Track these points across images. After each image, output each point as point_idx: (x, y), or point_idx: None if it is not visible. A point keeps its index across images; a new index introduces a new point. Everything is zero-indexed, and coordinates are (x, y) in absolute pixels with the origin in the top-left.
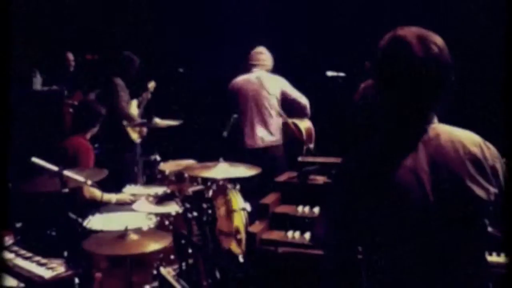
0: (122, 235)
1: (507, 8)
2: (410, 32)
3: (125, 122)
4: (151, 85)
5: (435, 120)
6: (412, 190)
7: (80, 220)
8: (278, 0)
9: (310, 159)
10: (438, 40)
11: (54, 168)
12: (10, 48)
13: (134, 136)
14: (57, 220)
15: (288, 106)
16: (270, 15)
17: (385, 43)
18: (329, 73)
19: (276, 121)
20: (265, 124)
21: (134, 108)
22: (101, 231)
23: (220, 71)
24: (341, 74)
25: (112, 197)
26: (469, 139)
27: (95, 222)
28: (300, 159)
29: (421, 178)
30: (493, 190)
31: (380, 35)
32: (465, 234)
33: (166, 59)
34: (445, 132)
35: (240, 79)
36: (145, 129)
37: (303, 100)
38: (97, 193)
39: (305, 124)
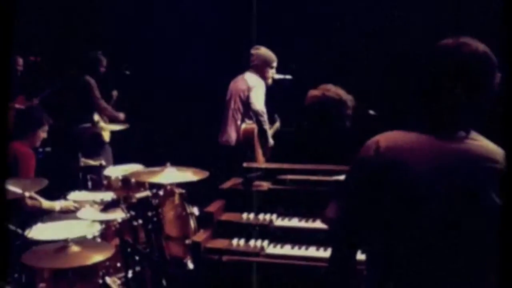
0: (63, 247)
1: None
2: (455, 36)
3: (96, 117)
4: (115, 93)
5: (469, 128)
6: (429, 190)
7: (20, 231)
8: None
9: (255, 165)
10: (480, 45)
11: None
12: None
13: (106, 136)
14: None
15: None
16: (216, 16)
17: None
18: (276, 76)
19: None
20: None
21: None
22: (43, 242)
23: (167, 72)
24: (288, 76)
25: (55, 204)
26: (496, 151)
27: (37, 232)
28: (245, 164)
29: (440, 180)
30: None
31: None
32: (474, 240)
33: (111, 61)
34: (475, 140)
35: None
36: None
37: (255, 106)
38: (39, 201)
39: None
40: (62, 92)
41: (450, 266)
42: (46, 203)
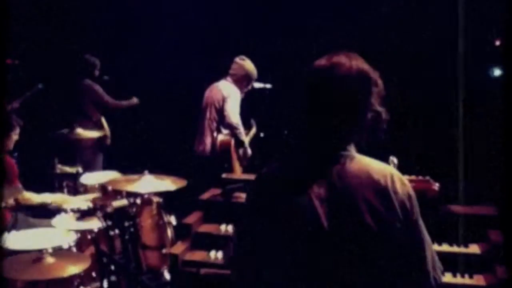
0: (38, 258)
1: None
2: (329, 54)
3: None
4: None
5: (351, 149)
6: (307, 216)
7: None
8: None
9: (235, 176)
10: (354, 63)
11: None
12: None
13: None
14: None
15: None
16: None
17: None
18: (256, 85)
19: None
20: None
21: None
22: (18, 252)
23: (146, 78)
24: (268, 85)
25: (46, 197)
26: (378, 170)
27: (12, 241)
28: (224, 175)
29: (317, 204)
30: (397, 224)
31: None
32: (360, 270)
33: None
34: (356, 161)
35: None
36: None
37: (229, 119)
38: (31, 196)
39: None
40: (46, 95)
41: None
42: (37, 198)
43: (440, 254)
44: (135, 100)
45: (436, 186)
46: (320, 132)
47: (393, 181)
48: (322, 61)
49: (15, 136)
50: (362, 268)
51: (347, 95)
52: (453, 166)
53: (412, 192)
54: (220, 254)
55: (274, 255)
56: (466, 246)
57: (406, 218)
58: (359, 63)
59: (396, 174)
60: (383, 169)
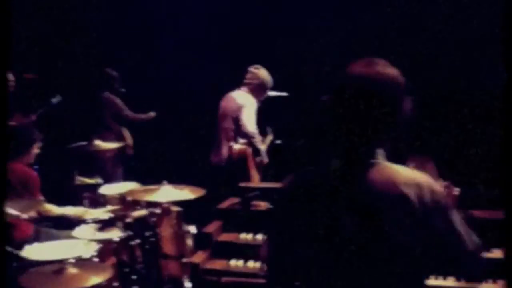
0: (60, 269)
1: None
2: (360, 61)
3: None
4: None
5: (380, 156)
6: (334, 224)
7: (16, 252)
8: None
9: (253, 184)
10: (386, 71)
11: None
12: None
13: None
14: None
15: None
16: (213, 32)
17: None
18: (272, 93)
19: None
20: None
21: None
22: (40, 262)
23: (164, 89)
24: (284, 93)
25: (67, 210)
26: (406, 179)
27: (34, 252)
28: (241, 184)
29: (345, 213)
30: (418, 234)
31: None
32: (386, 276)
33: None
34: (384, 169)
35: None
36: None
37: (246, 128)
38: (52, 208)
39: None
40: (64, 108)
41: None
42: (58, 210)
43: None
44: (152, 114)
45: (456, 191)
46: (352, 140)
47: (421, 191)
48: (357, 69)
49: (36, 150)
50: (388, 278)
51: (385, 103)
52: (474, 169)
53: (443, 199)
54: (240, 263)
55: (303, 263)
56: (489, 251)
57: (437, 226)
58: (393, 70)
59: (425, 182)
60: (411, 178)
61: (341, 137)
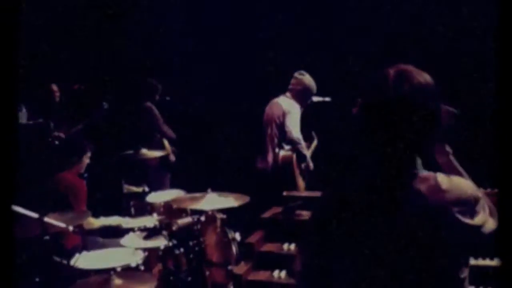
0: (106, 279)
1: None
2: (393, 67)
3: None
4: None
5: (419, 165)
6: (372, 236)
7: (65, 261)
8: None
9: (296, 193)
10: (421, 77)
11: (34, 215)
12: None
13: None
14: (41, 266)
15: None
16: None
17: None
18: (315, 98)
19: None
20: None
21: None
22: (88, 271)
23: (206, 97)
24: (327, 99)
25: (105, 221)
26: (450, 187)
27: (82, 261)
28: (285, 193)
29: (383, 224)
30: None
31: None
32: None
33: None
34: (425, 180)
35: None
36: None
37: (291, 135)
38: (93, 221)
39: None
40: (111, 118)
41: None
42: (97, 222)
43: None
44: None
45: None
46: (391, 151)
47: (466, 198)
48: (392, 77)
49: (86, 159)
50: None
51: (425, 110)
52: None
53: (487, 206)
54: (283, 274)
55: (339, 274)
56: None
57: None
58: (427, 77)
59: (470, 189)
60: (456, 186)
61: (380, 148)
